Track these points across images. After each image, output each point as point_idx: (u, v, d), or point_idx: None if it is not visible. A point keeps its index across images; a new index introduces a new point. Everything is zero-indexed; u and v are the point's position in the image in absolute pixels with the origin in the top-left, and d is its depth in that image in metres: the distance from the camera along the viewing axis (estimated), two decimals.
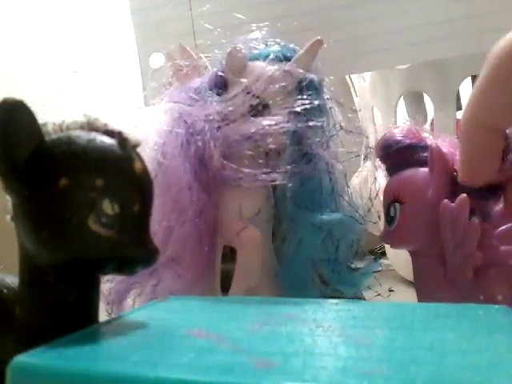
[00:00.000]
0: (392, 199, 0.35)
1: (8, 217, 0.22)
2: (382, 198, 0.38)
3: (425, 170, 0.34)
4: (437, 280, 0.32)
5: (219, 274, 0.42)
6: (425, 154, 0.34)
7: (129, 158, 0.21)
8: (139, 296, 0.41)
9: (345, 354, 0.17)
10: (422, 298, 0.34)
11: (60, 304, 0.21)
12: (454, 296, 0.31)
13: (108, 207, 0.20)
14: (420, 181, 0.34)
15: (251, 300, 0.26)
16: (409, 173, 0.35)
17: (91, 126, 0.22)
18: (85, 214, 0.20)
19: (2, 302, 0.23)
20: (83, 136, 0.21)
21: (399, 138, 0.35)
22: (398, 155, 0.35)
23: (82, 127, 0.21)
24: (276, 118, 0.37)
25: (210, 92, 0.40)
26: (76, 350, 0.18)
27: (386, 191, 0.36)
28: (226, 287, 0.41)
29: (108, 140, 0.21)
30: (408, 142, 0.35)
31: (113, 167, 0.20)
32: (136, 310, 0.24)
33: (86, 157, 0.20)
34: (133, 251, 0.21)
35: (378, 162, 0.37)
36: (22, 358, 0.17)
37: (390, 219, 0.35)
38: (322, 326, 0.20)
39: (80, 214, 0.20)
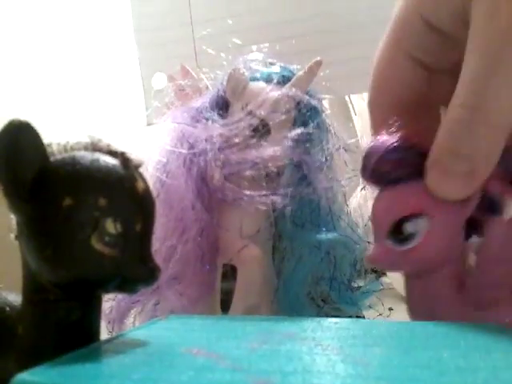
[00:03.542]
0: (411, 213, 0.28)
1: (12, 235, 0.22)
2: (375, 213, 0.31)
3: None
4: (449, 301, 0.30)
5: (219, 292, 0.42)
6: None
7: (131, 177, 0.21)
8: (140, 314, 0.42)
9: (343, 372, 0.17)
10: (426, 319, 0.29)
11: (62, 322, 0.22)
12: (469, 317, 0.28)
13: (111, 226, 0.20)
14: None
15: (250, 318, 0.27)
16: None
17: (95, 147, 0.22)
18: (88, 233, 0.20)
19: (4, 319, 0.23)
20: (87, 156, 0.21)
21: (406, 144, 0.30)
22: (403, 162, 0.29)
23: (85, 148, 0.22)
24: (277, 147, 0.37)
25: (212, 112, 0.41)
26: (77, 369, 0.18)
27: (396, 203, 0.29)
28: (225, 305, 0.41)
29: (111, 160, 0.21)
30: (420, 148, 0.29)
31: (116, 187, 0.21)
32: (136, 328, 0.24)
33: (90, 177, 0.20)
34: (135, 270, 0.21)
35: (369, 169, 0.30)
36: (24, 377, 0.17)
37: (404, 237, 0.29)
38: (321, 345, 0.20)
39: (83, 233, 0.20)
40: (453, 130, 0.27)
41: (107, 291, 0.23)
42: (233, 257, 0.39)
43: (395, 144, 0.29)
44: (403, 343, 0.20)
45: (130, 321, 0.41)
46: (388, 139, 0.29)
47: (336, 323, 0.23)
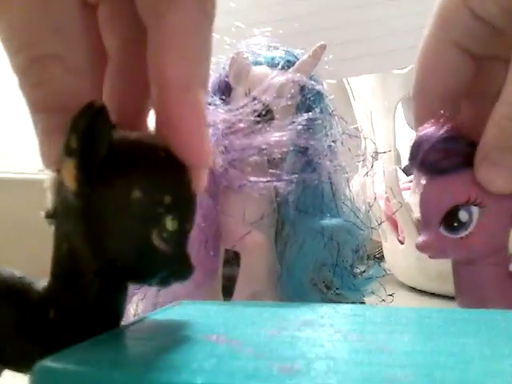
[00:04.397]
0: (465, 201, 0.30)
1: (42, 213, 0.22)
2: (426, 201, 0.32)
3: None
4: (499, 288, 0.30)
5: (221, 279, 0.42)
6: None
7: (189, 176, 0.22)
8: (142, 300, 0.41)
9: (367, 359, 0.17)
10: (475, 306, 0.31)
11: (97, 308, 0.21)
12: None
13: (170, 223, 0.20)
14: None
15: (265, 304, 0.26)
16: None
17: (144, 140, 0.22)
18: (150, 229, 0.20)
19: (34, 304, 0.22)
20: (151, 150, 0.21)
21: (455, 134, 0.30)
22: (453, 152, 0.30)
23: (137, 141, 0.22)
24: (282, 133, 0.37)
25: (214, 97, 0.40)
26: (98, 355, 0.18)
27: (449, 192, 0.31)
28: (227, 291, 0.41)
29: (169, 156, 0.21)
30: (465, 137, 0.30)
31: (179, 185, 0.21)
32: (150, 315, 0.24)
33: (160, 173, 0.21)
34: (179, 266, 0.22)
35: (421, 158, 0.31)
36: (46, 362, 0.17)
37: (458, 225, 0.30)
38: (341, 332, 0.20)
39: (146, 227, 0.20)
40: (500, 125, 0.28)
41: (149, 284, 0.23)
42: (236, 243, 0.39)
43: (445, 134, 0.30)
44: (423, 330, 0.20)
45: (132, 307, 0.41)
46: (437, 129, 0.30)
47: (352, 309, 0.23)
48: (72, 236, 0.21)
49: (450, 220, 0.30)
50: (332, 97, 0.42)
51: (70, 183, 0.20)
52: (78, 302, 0.21)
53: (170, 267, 0.21)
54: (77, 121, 0.19)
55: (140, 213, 0.20)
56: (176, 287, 0.39)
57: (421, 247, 0.32)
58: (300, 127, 0.38)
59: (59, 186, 0.21)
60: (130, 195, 0.20)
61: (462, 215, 0.30)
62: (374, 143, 0.53)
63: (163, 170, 0.21)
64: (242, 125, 0.38)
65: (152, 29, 0.22)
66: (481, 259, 0.30)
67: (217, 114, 0.38)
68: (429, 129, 0.30)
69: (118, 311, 0.22)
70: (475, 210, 0.30)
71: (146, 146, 0.21)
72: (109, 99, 0.25)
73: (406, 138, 0.78)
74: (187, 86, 0.22)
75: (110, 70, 0.25)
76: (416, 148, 0.31)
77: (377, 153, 0.51)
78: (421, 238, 0.32)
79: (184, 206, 0.21)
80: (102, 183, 0.20)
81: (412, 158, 0.31)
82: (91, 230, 0.20)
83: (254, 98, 0.38)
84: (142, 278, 0.22)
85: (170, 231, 0.20)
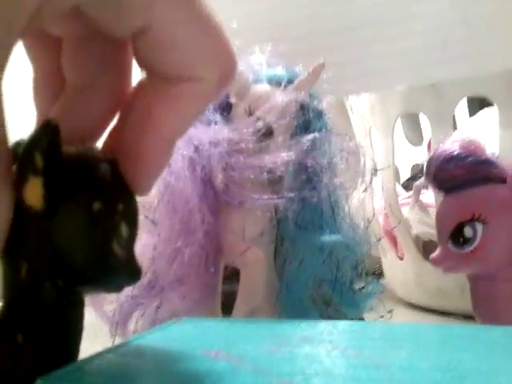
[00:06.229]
0: (469, 218, 0.31)
1: None
2: (439, 217, 0.34)
3: (503, 186, 0.32)
4: None
5: (220, 295, 0.42)
6: (494, 170, 0.32)
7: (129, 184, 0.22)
8: (141, 317, 0.41)
9: (365, 375, 0.17)
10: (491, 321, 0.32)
11: (66, 327, 0.21)
12: None
13: (124, 230, 0.21)
14: (505, 199, 0.32)
15: (264, 321, 0.27)
16: (487, 190, 0.32)
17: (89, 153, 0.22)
18: (112, 237, 0.20)
19: None
20: (97, 162, 0.21)
21: (468, 152, 0.31)
22: (465, 170, 0.32)
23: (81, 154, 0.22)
24: (284, 153, 0.38)
25: (215, 114, 0.41)
26: (98, 373, 0.18)
27: (456, 209, 0.32)
28: (226, 308, 0.41)
29: (113, 167, 0.22)
30: (477, 156, 0.32)
31: (127, 192, 0.22)
32: (151, 331, 0.24)
33: (110, 182, 0.21)
34: (133, 270, 0.22)
35: (431, 177, 0.33)
36: (46, 382, 0.17)
37: (464, 240, 0.32)
38: (339, 348, 0.20)
39: (109, 236, 0.20)
40: None
41: (106, 291, 0.24)
42: (236, 259, 0.39)
43: (452, 153, 0.31)
44: (421, 345, 0.20)
45: (132, 324, 0.41)
46: (447, 148, 0.32)
47: (351, 325, 0.24)
48: (34, 257, 0.20)
49: (457, 236, 0.32)
50: (331, 114, 0.43)
51: (37, 203, 0.19)
52: (47, 321, 0.21)
53: (125, 272, 0.21)
54: (39, 139, 0.19)
55: (102, 223, 0.20)
56: (177, 304, 0.39)
57: (433, 262, 0.34)
58: (300, 145, 0.38)
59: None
60: (92, 207, 0.20)
61: (467, 231, 0.31)
62: (373, 159, 0.54)
63: (113, 180, 0.21)
64: (244, 144, 0.38)
65: (161, 88, 0.22)
66: (496, 274, 0.31)
67: (220, 132, 0.39)
68: (441, 147, 0.32)
69: (81, 325, 0.22)
70: (479, 226, 0.31)
71: (91, 159, 0.21)
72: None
73: (404, 154, 0.79)
74: (170, 139, 0.22)
75: (68, 99, 0.24)
76: (427, 167, 0.33)
77: (376, 169, 0.52)
78: (434, 254, 0.34)
79: (132, 212, 0.22)
80: (63, 199, 0.20)
81: (426, 175, 0.34)
82: (56, 246, 0.20)
83: (258, 118, 0.38)
84: (103, 285, 0.22)
85: (124, 237, 0.21)
